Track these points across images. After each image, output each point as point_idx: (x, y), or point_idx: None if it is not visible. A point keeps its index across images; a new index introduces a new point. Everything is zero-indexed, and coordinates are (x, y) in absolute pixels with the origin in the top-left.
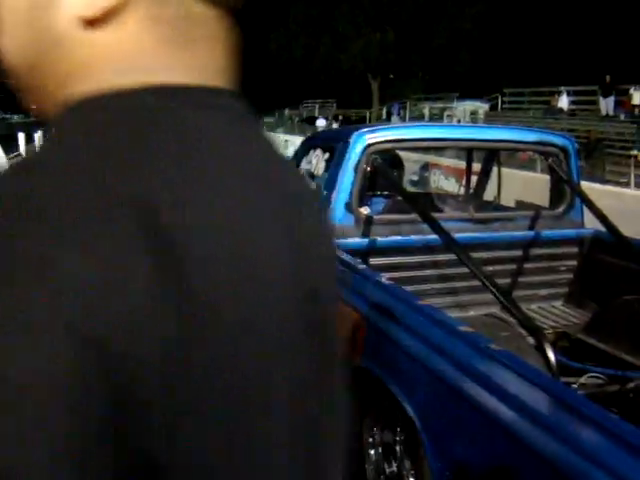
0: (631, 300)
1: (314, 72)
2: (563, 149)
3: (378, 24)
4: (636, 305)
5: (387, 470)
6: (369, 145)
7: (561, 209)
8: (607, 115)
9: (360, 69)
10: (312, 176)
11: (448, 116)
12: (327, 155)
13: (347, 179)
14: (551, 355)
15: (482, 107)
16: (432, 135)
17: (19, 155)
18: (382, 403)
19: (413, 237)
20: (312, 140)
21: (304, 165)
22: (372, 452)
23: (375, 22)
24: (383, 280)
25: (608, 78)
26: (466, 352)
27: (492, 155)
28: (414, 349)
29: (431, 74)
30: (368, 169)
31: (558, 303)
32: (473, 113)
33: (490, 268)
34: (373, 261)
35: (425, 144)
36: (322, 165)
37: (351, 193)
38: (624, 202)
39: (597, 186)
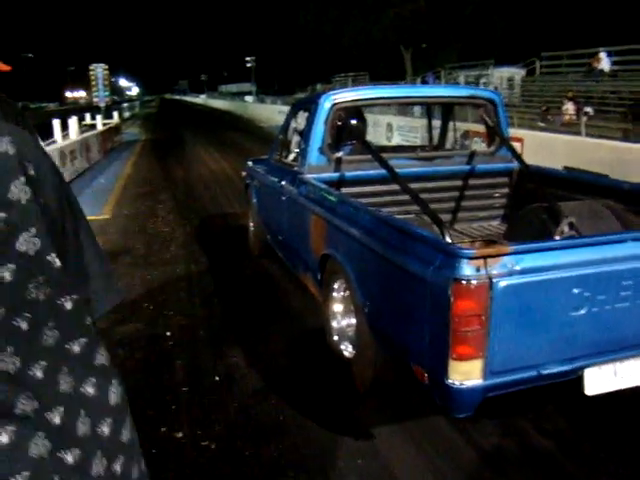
0: (533, 208)
1: (345, 46)
2: (491, 101)
3: None
4: (537, 211)
5: (341, 317)
6: (335, 104)
7: (493, 148)
8: None
9: (392, 40)
10: (300, 132)
11: (484, 84)
12: (306, 114)
13: (319, 130)
14: (447, 237)
15: (519, 73)
16: (382, 94)
17: (54, 142)
18: (339, 276)
19: (371, 171)
20: (297, 105)
21: (292, 124)
22: (335, 308)
23: None
24: (330, 190)
25: None
26: (375, 224)
27: (447, 111)
28: (348, 230)
29: (465, 42)
30: (337, 122)
31: (495, 222)
32: (510, 79)
33: (437, 195)
34: (345, 190)
35: (378, 102)
36: (303, 122)
37: (323, 140)
38: None
39: None
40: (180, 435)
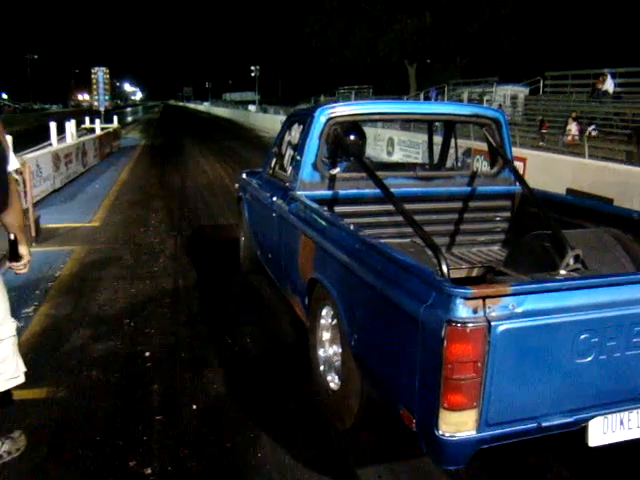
0: (535, 234)
1: (350, 58)
2: (495, 121)
3: (414, 8)
4: (540, 238)
5: (328, 346)
6: (330, 118)
7: (495, 169)
8: None
9: (397, 55)
10: (294, 146)
11: (487, 101)
12: (301, 127)
13: (313, 145)
14: (444, 267)
15: (522, 91)
16: (382, 110)
17: (49, 144)
18: (326, 302)
19: (367, 190)
20: (292, 117)
21: (287, 137)
22: (321, 336)
23: (411, 6)
24: (320, 210)
25: None
26: (365, 251)
27: (449, 129)
28: (336, 255)
29: (470, 58)
30: (333, 137)
31: (496, 247)
32: (513, 97)
33: (435, 217)
34: (338, 209)
35: (377, 117)
36: (297, 135)
37: (316, 156)
38: None
39: None
40: (149, 471)
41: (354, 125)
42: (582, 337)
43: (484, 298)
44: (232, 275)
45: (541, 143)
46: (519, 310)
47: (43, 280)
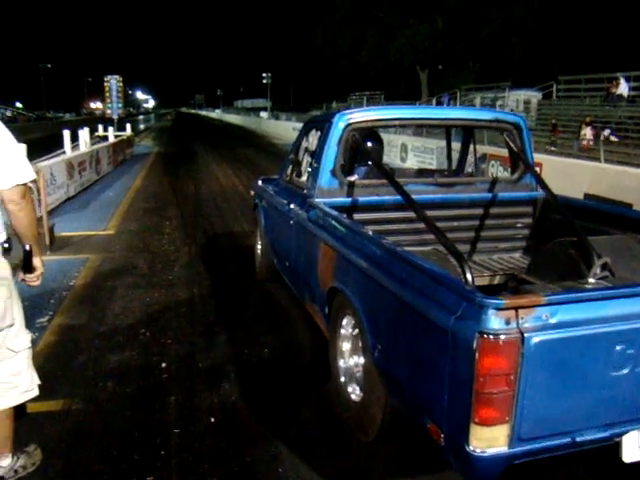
0: (560, 242)
1: (361, 64)
2: (515, 125)
3: (426, 13)
4: (564, 246)
5: (349, 356)
6: (349, 124)
7: (517, 175)
8: None
9: (408, 60)
10: (312, 153)
11: (500, 106)
12: (319, 133)
13: (332, 151)
14: (468, 275)
15: (535, 96)
16: (401, 115)
17: (63, 152)
18: (348, 312)
19: (386, 197)
20: (310, 123)
21: (304, 144)
22: (342, 346)
23: (423, 11)
24: (340, 217)
25: None
26: (389, 259)
27: (468, 135)
28: (359, 264)
29: (482, 63)
30: (351, 143)
31: (517, 254)
32: (526, 102)
33: (455, 224)
34: (357, 216)
35: (397, 123)
36: (315, 142)
37: (335, 162)
38: None
39: None
40: None
41: (371, 131)
42: (617, 348)
43: (517, 308)
44: (248, 283)
45: (552, 148)
46: (553, 321)
47: (58, 289)
